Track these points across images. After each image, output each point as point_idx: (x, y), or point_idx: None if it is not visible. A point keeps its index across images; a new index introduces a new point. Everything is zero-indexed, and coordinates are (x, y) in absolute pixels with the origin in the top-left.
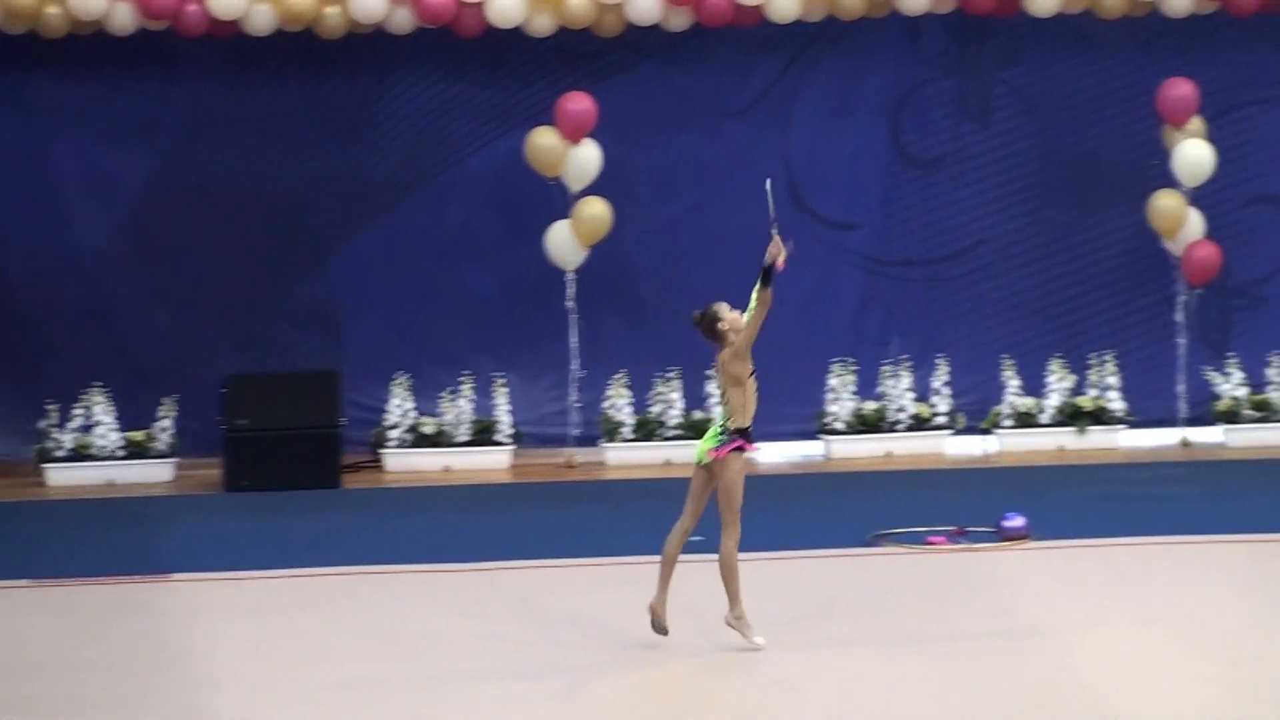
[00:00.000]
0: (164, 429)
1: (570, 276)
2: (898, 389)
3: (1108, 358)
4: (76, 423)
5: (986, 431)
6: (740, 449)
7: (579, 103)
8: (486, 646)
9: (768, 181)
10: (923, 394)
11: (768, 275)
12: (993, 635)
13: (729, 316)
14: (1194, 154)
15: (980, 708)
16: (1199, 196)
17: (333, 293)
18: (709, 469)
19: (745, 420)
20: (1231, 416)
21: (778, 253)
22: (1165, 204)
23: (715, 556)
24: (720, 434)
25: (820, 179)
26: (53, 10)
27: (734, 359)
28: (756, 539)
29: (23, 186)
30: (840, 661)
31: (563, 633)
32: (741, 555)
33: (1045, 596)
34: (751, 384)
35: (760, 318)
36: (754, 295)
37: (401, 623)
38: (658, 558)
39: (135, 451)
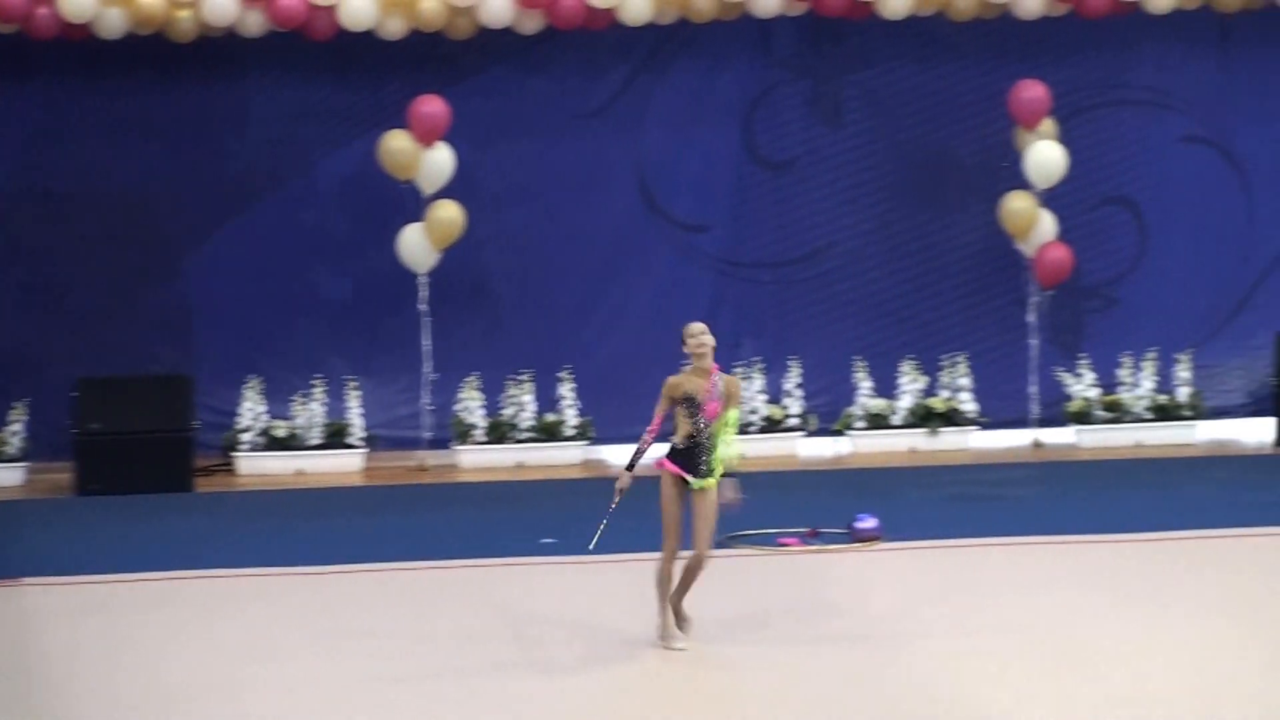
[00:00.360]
0: (15, 433)
1: (423, 279)
2: (750, 391)
3: (959, 359)
4: None
5: (839, 433)
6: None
7: (432, 106)
8: (341, 648)
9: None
10: (775, 396)
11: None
12: (846, 636)
13: (696, 339)
14: (1045, 155)
15: (833, 707)
16: (1050, 198)
17: (186, 296)
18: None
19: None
20: (1083, 417)
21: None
22: (1017, 205)
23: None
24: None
25: (672, 181)
26: None
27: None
28: (613, 541)
29: None
30: (692, 664)
31: (424, 632)
32: (605, 556)
33: (898, 597)
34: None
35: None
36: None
37: (255, 626)
38: (511, 559)
39: None
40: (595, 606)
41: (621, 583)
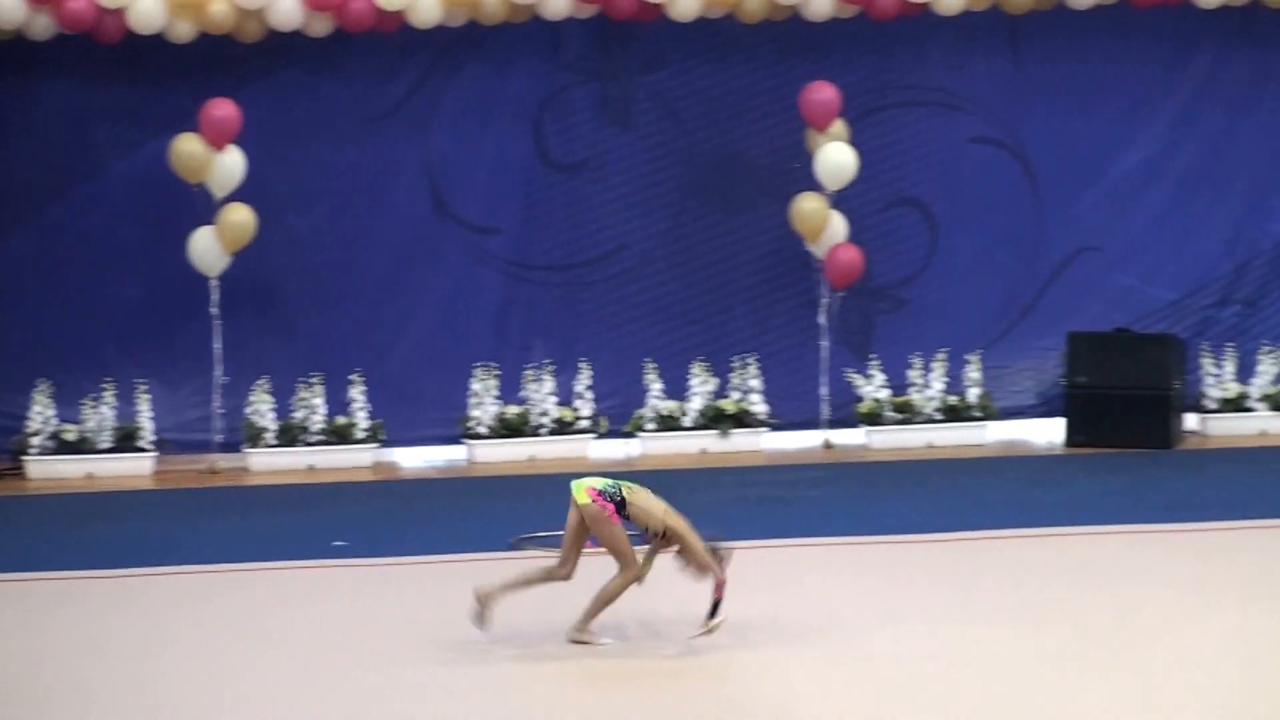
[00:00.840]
0: None
1: (214, 283)
2: (541, 393)
3: (750, 361)
4: None
5: (630, 435)
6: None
7: (222, 109)
8: (148, 652)
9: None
10: (566, 398)
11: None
12: (636, 636)
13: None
14: (836, 157)
15: (626, 706)
16: (841, 199)
17: None
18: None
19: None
20: (873, 418)
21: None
22: (808, 207)
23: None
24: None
25: (463, 183)
26: None
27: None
28: (401, 545)
29: None
30: (487, 666)
31: (217, 636)
32: (386, 560)
33: (685, 598)
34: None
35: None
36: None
37: (40, 631)
38: (304, 562)
39: None
40: (388, 608)
41: (411, 585)
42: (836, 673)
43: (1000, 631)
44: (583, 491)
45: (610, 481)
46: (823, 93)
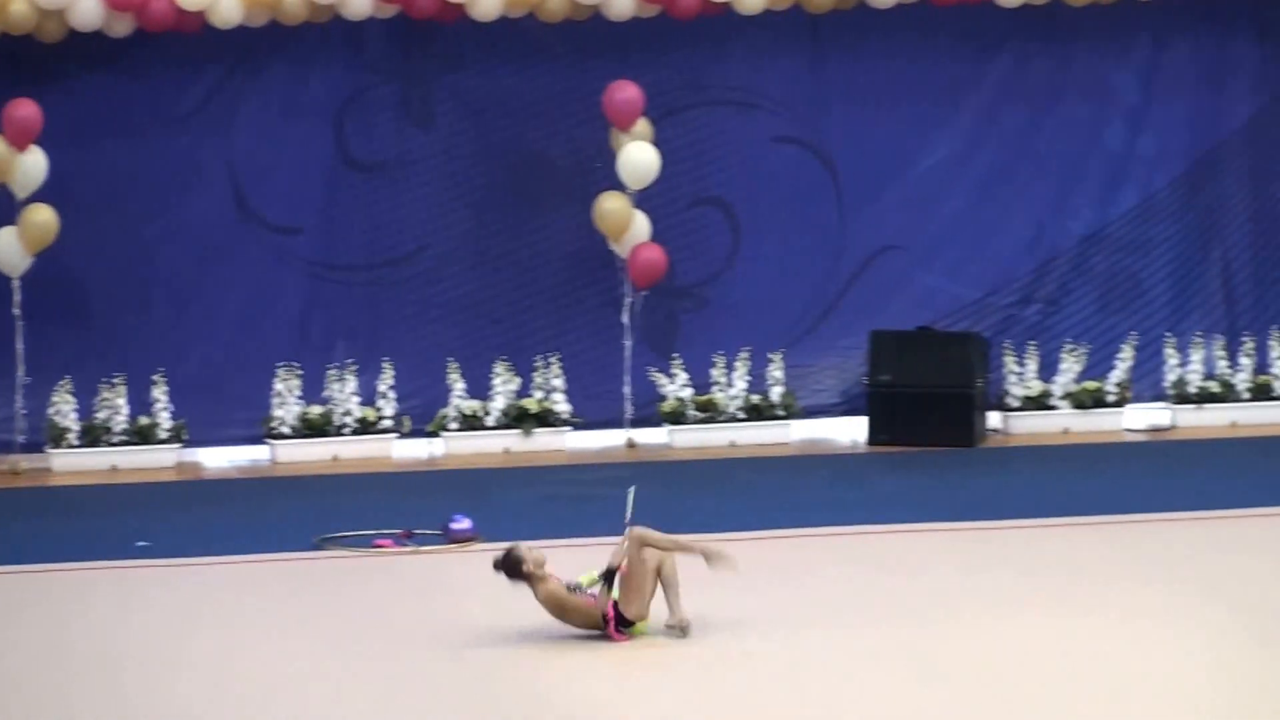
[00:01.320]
0: None
1: (16, 283)
2: (343, 393)
3: (553, 360)
4: None
5: (433, 434)
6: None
7: (24, 109)
8: None
9: (631, 489)
10: (368, 397)
11: (609, 577)
12: (443, 638)
13: (531, 557)
14: (638, 156)
15: (427, 705)
16: (644, 198)
17: None
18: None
19: (601, 607)
20: (676, 417)
21: (620, 560)
22: (610, 206)
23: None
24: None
25: (265, 183)
26: None
27: (550, 598)
28: (205, 545)
29: None
30: (280, 666)
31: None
32: (189, 561)
33: (494, 598)
34: (574, 599)
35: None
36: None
37: None
38: (107, 563)
39: None
40: (188, 609)
41: (213, 585)
42: (644, 674)
43: (809, 632)
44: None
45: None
46: (625, 92)
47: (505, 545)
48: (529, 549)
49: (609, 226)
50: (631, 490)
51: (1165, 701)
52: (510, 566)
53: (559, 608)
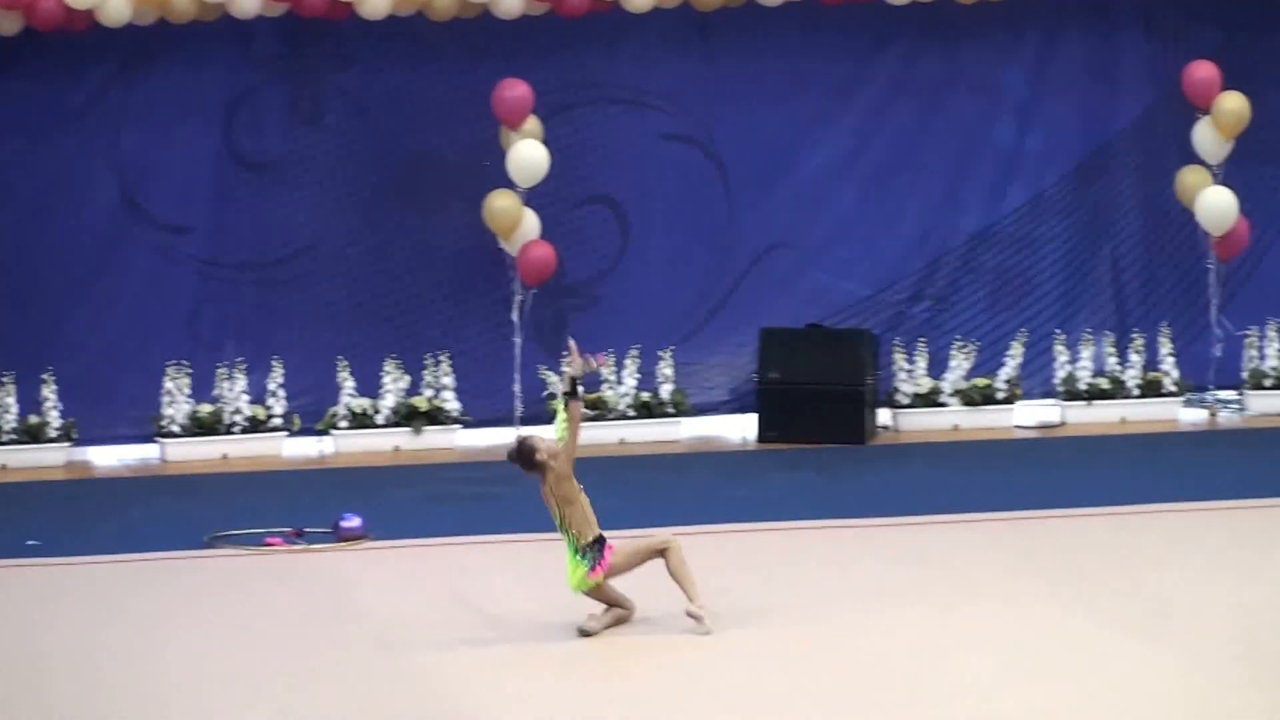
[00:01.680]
0: None
1: None
2: (233, 391)
3: (443, 358)
4: None
5: (323, 432)
6: (605, 552)
7: None
8: None
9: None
10: (258, 396)
11: (573, 389)
12: (338, 636)
13: (544, 446)
14: (528, 154)
15: (331, 700)
16: (533, 197)
17: None
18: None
19: (595, 529)
20: None
21: (581, 366)
22: (500, 204)
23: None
24: (581, 557)
25: (154, 182)
26: None
27: (561, 482)
28: (95, 544)
29: None
30: (175, 664)
31: None
32: (79, 559)
33: (385, 595)
34: (583, 497)
35: (575, 432)
36: (560, 410)
37: None
38: None
39: None
40: (80, 609)
41: (103, 585)
42: (520, 673)
43: (685, 632)
44: (583, 581)
45: (576, 555)
46: (514, 90)
47: (518, 438)
48: (540, 439)
49: (499, 225)
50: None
51: (1040, 691)
52: (525, 456)
53: (567, 499)
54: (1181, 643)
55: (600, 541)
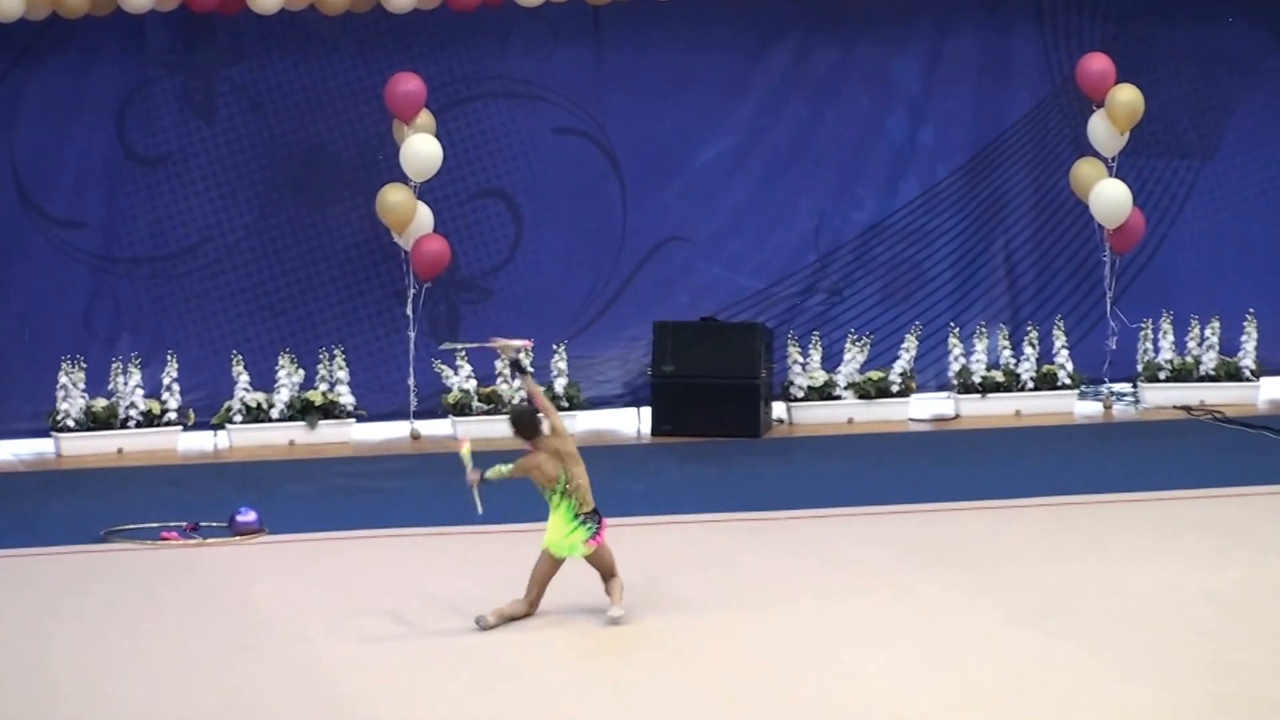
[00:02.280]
0: None
1: None
2: (128, 386)
3: (338, 352)
4: None
5: (218, 427)
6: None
7: None
8: None
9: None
10: (153, 390)
11: (518, 368)
12: (234, 629)
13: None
14: (421, 148)
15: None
16: (427, 190)
17: None
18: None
19: (591, 500)
20: (460, 409)
21: (511, 348)
22: (393, 198)
23: None
24: (580, 523)
25: (47, 177)
26: None
27: (566, 439)
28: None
29: None
30: (72, 659)
31: None
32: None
33: (282, 589)
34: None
35: (545, 403)
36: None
37: None
38: None
39: None
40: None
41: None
42: (417, 665)
43: (574, 624)
44: (578, 546)
45: (577, 522)
46: (408, 84)
47: (521, 401)
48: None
49: (392, 219)
50: (466, 445)
51: (935, 680)
52: (528, 424)
53: (574, 457)
54: (1078, 633)
55: (596, 513)
